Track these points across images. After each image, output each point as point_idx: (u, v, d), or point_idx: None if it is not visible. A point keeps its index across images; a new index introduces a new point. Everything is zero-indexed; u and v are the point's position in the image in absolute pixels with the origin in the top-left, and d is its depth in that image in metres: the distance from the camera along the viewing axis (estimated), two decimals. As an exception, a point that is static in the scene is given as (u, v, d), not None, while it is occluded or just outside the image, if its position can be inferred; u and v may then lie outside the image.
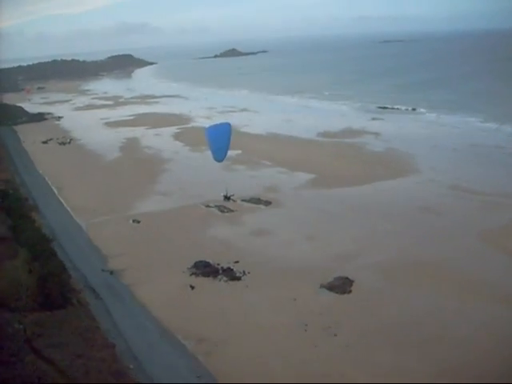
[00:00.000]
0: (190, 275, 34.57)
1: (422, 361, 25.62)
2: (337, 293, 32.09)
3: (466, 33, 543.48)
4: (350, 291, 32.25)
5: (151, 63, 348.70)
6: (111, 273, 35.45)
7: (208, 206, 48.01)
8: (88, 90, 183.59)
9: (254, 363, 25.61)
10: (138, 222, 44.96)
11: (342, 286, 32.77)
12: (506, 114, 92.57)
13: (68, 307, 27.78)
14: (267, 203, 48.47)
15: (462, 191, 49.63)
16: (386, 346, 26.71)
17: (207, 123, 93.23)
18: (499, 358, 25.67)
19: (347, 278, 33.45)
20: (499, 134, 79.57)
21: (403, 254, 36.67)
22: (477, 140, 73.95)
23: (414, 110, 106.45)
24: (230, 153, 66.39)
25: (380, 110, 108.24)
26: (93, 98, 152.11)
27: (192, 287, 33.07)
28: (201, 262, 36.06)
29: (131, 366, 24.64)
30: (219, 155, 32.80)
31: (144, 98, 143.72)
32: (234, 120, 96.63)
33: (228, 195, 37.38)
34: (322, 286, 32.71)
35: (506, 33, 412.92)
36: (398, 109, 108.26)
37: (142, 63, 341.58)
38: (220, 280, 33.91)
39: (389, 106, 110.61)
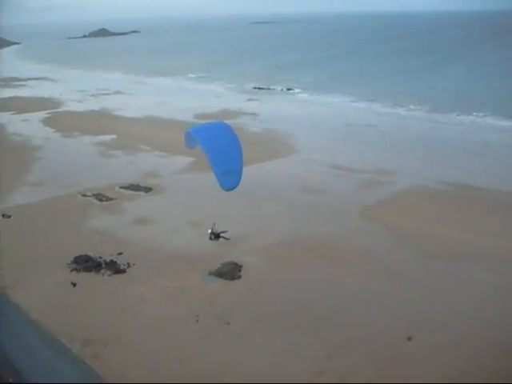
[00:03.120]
0: (71, 271, 32.05)
1: (317, 340, 25.53)
2: (226, 279, 31.27)
3: (332, 14, 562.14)
4: (240, 277, 31.54)
5: (14, 43, 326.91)
6: (-20, 275, 32.28)
7: (85, 196, 45.24)
8: None
9: (147, 360, 24.18)
10: (9, 216, 41.21)
11: (230, 271, 32.00)
12: (373, 94, 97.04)
13: None
14: (148, 189, 46.64)
15: (341, 170, 50.86)
16: (280, 330, 26.30)
17: (79, 107, 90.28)
18: (390, 329, 26.33)
19: (236, 264, 32.70)
20: (369, 113, 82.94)
21: (290, 235, 36.70)
22: (350, 119, 76.50)
23: (289, 90, 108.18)
24: (104, 137, 65.41)
25: (256, 90, 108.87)
26: None
27: (73, 284, 30.65)
28: (81, 256, 33.51)
29: (11, 380, 22.34)
30: (229, 181, 20.27)
31: (8, 81, 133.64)
32: (108, 103, 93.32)
33: (218, 232, 25.37)
34: (210, 273, 31.72)
35: (369, 15, 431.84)
36: (273, 89, 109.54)
37: (4, 43, 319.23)
38: (103, 274, 31.73)
39: (264, 87, 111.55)
